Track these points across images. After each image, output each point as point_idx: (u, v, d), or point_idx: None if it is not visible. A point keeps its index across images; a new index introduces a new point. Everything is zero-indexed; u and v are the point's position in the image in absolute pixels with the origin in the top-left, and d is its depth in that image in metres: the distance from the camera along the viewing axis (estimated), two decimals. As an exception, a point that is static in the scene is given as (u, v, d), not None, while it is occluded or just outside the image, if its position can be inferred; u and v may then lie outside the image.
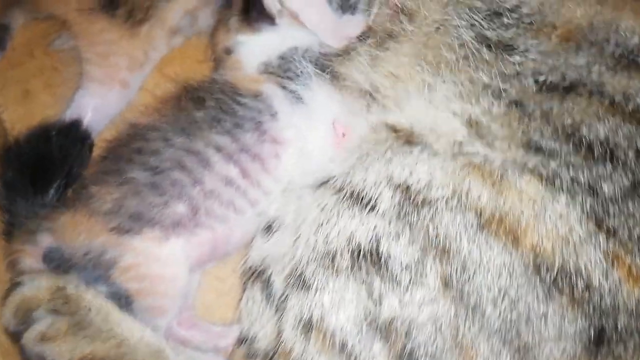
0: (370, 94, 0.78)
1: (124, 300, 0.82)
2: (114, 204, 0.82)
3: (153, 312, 0.84)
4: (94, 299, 0.75)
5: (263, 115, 0.88)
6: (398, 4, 0.83)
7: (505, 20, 0.71)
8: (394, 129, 0.70)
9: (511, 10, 0.71)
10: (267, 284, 0.86)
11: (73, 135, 0.87)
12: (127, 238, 0.81)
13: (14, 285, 0.74)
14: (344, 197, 0.67)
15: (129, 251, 0.81)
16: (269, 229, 0.89)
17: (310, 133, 0.87)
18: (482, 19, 0.71)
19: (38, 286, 0.73)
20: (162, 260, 0.82)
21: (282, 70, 0.91)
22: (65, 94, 0.98)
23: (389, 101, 0.75)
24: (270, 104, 0.89)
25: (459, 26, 0.71)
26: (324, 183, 0.70)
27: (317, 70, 0.86)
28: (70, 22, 0.93)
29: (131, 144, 0.85)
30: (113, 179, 0.83)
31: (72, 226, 0.82)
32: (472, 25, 0.71)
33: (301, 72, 0.87)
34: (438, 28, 0.72)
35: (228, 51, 0.95)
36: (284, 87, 0.90)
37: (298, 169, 0.87)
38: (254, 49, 0.93)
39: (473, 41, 0.70)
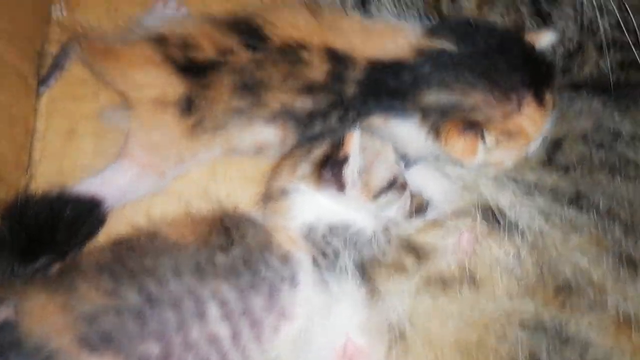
0: (396, 338, 0.71)
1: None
2: (91, 312, 0.74)
3: None
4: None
5: (283, 284, 0.82)
6: (469, 249, 0.77)
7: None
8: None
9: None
10: None
11: (88, 215, 0.81)
12: (86, 354, 0.73)
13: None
14: None
15: (80, 368, 0.73)
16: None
17: (319, 329, 0.79)
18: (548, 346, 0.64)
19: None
20: (107, 393, 0.74)
21: (325, 242, 0.85)
22: (109, 155, 0.93)
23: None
24: (294, 274, 0.83)
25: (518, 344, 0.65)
26: None
27: (356, 273, 0.79)
28: (134, 101, 0.88)
29: (141, 257, 0.78)
30: (105, 283, 0.76)
31: (40, 311, 0.75)
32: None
33: (340, 266, 0.81)
34: (497, 335, 0.65)
35: (283, 192, 0.89)
36: (317, 265, 0.84)
37: (290, 352, 0.81)
38: (309, 203, 0.87)
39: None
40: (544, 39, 0.89)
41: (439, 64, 0.84)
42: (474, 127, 0.82)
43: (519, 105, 0.82)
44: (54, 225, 0.78)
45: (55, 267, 0.80)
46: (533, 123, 0.84)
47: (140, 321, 0.75)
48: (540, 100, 0.84)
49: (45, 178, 0.93)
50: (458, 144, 0.81)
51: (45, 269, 0.79)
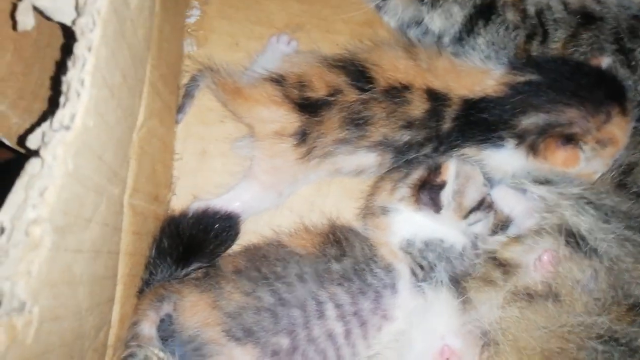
0: (488, 343, 0.85)
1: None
2: (235, 310, 0.92)
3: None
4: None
5: (385, 290, 0.97)
6: (553, 267, 0.88)
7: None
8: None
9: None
10: None
11: (229, 228, 0.98)
12: (232, 344, 0.91)
13: (129, 356, 0.86)
14: None
15: (227, 355, 0.91)
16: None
17: (418, 332, 0.94)
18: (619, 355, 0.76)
19: (147, 365, 0.85)
20: (248, 375, 0.92)
21: (421, 256, 1.00)
22: (235, 173, 1.10)
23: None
24: (395, 282, 0.98)
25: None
26: None
27: (450, 285, 0.93)
28: (258, 133, 1.04)
29: (272, 264, 0.95)
30: (244, 285, 0.94)
31: (193, 307, 0.94)
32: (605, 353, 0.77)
33: (435, 277, 0.95)
34: (576, 345, 0.77)
35: (383, 211, 1.04)
36: (414, 274, 0.98)
37: (392, 350, 0.96)
38: (406, 222, 1.02)
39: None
40: (603, 63, 1.00)
41: (530, 92, 0.96)
42: (571, 140, 0.94)
43: (609, 115, 0.94)
44: (203, 237, 0.96)
45: (202, 271, 0.99)
46: (622, 130, 0.96)
47: (273, 318, 0.92)
48: (624, 108, 0.95)
49: (182, 193, 1.12)
50: (560, 156, 0.94)
51: (196, 272, 0.97)
